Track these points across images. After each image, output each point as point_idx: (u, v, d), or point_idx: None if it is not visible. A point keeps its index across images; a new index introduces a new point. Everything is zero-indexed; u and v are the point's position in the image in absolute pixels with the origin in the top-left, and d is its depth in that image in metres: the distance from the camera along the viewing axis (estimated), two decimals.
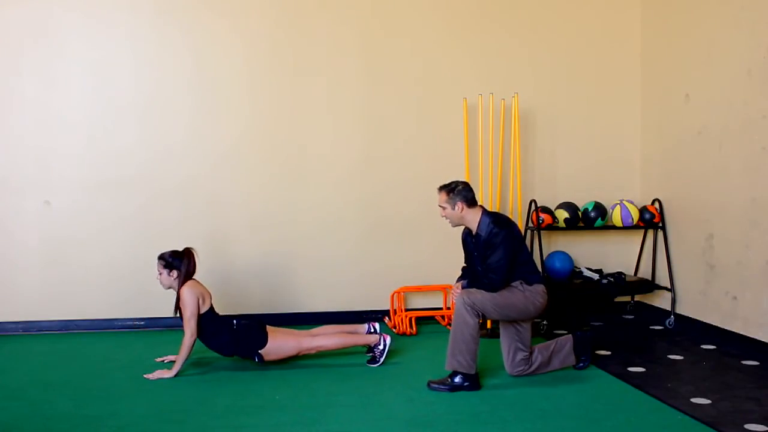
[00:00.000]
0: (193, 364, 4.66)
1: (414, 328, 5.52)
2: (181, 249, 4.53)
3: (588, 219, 5.76)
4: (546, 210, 5.74)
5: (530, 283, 4.25)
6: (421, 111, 5.89)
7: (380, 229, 5.87)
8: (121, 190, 5.59)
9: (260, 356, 4.50)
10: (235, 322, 4.55)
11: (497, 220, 4.21)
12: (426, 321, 5.82)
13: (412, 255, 5.90)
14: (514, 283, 4.23)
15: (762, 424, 3.58)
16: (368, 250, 5.86)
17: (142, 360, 4.73)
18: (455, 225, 4.35)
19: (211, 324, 4.48)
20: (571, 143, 6.10)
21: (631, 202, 5.83)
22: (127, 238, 5.60)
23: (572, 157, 6.10)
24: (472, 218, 4.26)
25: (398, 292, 5.80)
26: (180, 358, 4.39)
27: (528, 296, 4.21)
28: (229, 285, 5.58)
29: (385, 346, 4.61)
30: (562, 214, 5.74)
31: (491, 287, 4.14)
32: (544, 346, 4.42)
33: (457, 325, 4.12)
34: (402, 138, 5.89)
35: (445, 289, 5.83)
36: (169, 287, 4.52)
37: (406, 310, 5.80)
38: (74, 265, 5.57)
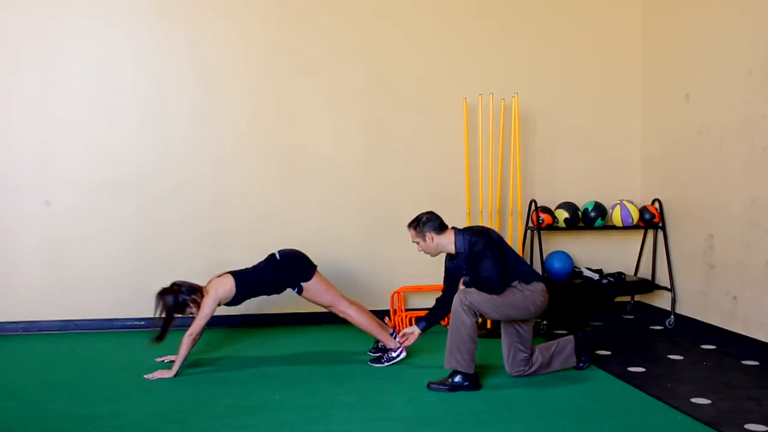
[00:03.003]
0: (193, 364, 4.66)
1: None
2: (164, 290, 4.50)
3: (588, 219, 5.76)
4: (546, 210, 5.74)
5: (528, 282, 4.24)
6: (421, 111, 5.89)
7: (380, 229, 5.87)
8: (120, 190, 5.59)
9: (301, 288, 4.59)
10: (277, 254, 4.65)
11: (471, 231, 4.26)
12: None
13: (412, 255, 5.86)
14: (512, 284, 4.23)
15: (762, 424, 3.58)
16: (368, 250, 5.87)
17: (142, 360, 4.73)
18: (435, 255, 4.39)
19: (248, 282, 4.53)
20: (571, 143, 6.10)
21: (631, 202, 5.83)
22: (127, 238, 5.60)
23: (572, 157, 6.10)
24: (447, 242, 4.29)
25: (398, 292, 5.80)
26: (179, 358, 4.40)
27: (527, 295, 4.21)
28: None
29: (398, 356, 4.64)
30: (562, 214, 5.74)
31: (493, 293, 4.13)
32: (545, 347, 4.42)
33: (455, 325, 4.12)
34: (402, 138, 5.89)
35: None
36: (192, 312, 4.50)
37: (406, 310, 5.80)
38: (74, 265, 5.57)
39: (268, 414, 3.77)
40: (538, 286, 4.26)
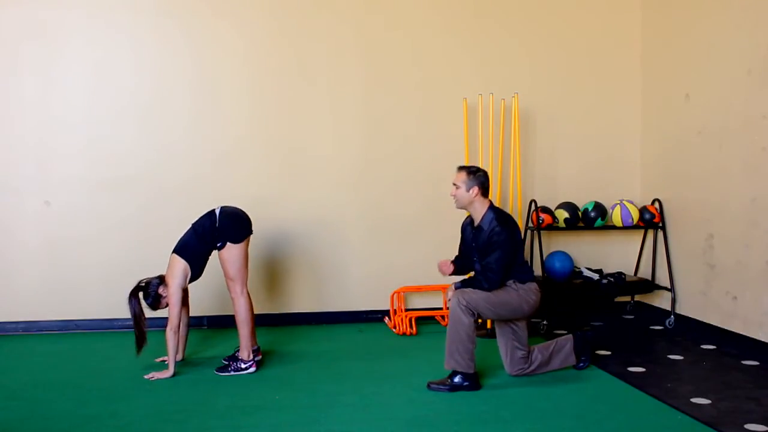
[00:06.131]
0: (192, 364, 4.66)
1: (414, 328, 5.52)
2: (131, 292, 4.45)
3: (588, 219, 5.76)
4: (546, 210, 5.74)
5: (523, 282, 4.24)
6: (422, 111, 5.89)
7: (380, 229, 5.87)
8: (121, 190, 5.59)
9: (223, 247, 4.44)
10: (217, 214, 4.49)
11: (501, 219, 4.20)
12: (426, 321, 5.82)
13: (412, 255, 5.90)
14: (507, 282, 4.22)
15: (762, 424, 3.58)
16: (368, 250, 5.86)
17: (142, 360, 4.72)
18: (461, 207, 4.30)
19: (195, 251, 4.45)
20: (571, 143, 6.10)
21: (631, 202, 5.83)
22: (127, 238, 5.60)
23: (572, 157, 6.10)
24: (480, 208, 4.24)
25: (398, 292, 5.80)
26: (170, 355, 4.39)
27: (521, 294, 4.21)
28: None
29: (247, 369, 4.48)
30: (562, 214, 5.74)
31: (487, 286, 4.13)
32: (544, 346, 4.42)
33: (453, 325, 4.12)
34: (402, 138, 5.89)
35: (444, 289, 5.83)
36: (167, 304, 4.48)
37: (406, 310, 5.80)
38: (74, 265, 5.57)
39: (267, 414, 3.77)
40: (532, 286, 4.26)
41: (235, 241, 4.47)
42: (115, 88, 5.59)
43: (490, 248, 4.15)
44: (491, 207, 4.26)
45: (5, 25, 5.46)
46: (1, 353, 5.01)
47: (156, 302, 4.47)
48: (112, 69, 5.58)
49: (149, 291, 4.45)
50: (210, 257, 4.59)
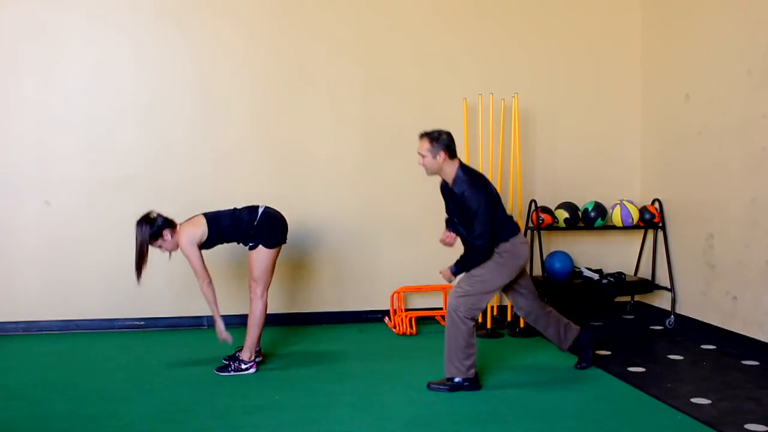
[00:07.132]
0: (192, 363, 4.66)
1: (414, 328, 5.52)
2: (140, 219, 4.47)
3: (588, 219, 5.76)
4: (546, 210, 5.74)
5: (506, 240, 4.11)
6: (422, 111, 5.89)
7: (380, 229, 5.87)
8: (121, 190, 5.59)
9: (255, 247, 4.45)
10: (260, 212, 4.51)
11: (471, 182, 4.06)
12: (426, 321, 5.82)
13: (412, 255, 5.90)
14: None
15: (762, 424, 3.59)
16: (368, 249, 5.86)
17: (142, 360, 4.73)
18: (431, 174, 4.20)
19: (222, 224, 4.45)
20: (572, 143, 6.10)
21: (631, 202, 5.83)
22: (127, 238, 5.52)
23: (572, 156, 6.10)
24: (450, 171, 4.12)
25: (398, 292, 5.80)
26: (213, 309, 4.43)
27: (506, 258, 4.10)
28: (228, 285, 5.58)
29: (247, 370, 4.49)
30: (562, 214, 5.74)
31: (479, 255, 4.05)
32: (561, 317, 4.46)
33: (450, 332, 4.12)
34: (402, 138, 5.88)
35: (445, 289, 5.83)
36: (175, 248, 4.48)
37: (406, 310, 5.80)
38: (74, 265, 5.57)
39: (267, 414, 3.77)
40: (516, 240, 4.14)
41: (268, 246, 4.48)
42: (115, 88, 5.59)
43: (468, 214, 4.04)
44: (460, 166, 4.13)
45: (5, 25, 5.46)
46: (1, 353, 5.02)
47: (156, 236, 4.42)
48: (112, 69, 5.58)
49: (156, 223, 4.42)
50: (226, 253, 4.56)
